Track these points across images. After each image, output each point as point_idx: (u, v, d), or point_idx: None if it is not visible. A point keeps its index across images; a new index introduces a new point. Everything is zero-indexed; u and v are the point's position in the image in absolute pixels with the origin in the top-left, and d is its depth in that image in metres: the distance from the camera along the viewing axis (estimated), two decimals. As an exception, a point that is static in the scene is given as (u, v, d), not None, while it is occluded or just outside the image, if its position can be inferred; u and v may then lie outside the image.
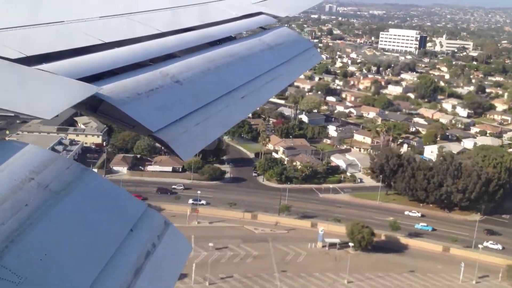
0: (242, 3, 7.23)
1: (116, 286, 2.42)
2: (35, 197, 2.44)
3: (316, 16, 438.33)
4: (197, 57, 4.61)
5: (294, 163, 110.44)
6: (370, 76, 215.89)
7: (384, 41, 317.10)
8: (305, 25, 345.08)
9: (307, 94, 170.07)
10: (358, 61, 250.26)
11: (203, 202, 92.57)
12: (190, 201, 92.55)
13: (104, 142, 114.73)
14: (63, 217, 2.48)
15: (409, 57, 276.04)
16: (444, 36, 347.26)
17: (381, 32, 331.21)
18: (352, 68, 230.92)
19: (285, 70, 5.64)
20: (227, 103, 4.16)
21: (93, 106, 3.21)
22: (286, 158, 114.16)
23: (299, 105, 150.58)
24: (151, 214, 2.94)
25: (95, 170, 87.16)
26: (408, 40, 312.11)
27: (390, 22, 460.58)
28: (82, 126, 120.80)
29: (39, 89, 3.03)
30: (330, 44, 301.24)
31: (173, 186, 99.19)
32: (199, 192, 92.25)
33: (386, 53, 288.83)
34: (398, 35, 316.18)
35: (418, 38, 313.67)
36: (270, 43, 5.99)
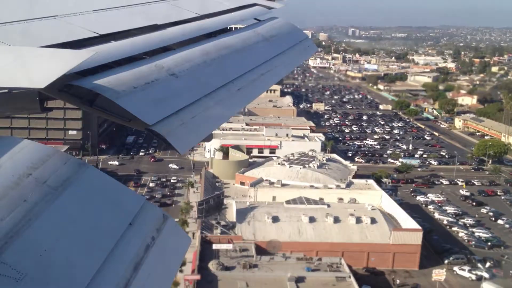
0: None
1: (116, 280, 2.43)
2: (33, 192, 2.43)
3: (351, 40, 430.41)
4: (193, 50, 4.59)
5: None
6: None
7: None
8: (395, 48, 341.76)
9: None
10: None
11: None
12: None
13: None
14: (62, 212, 2.48)
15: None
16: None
17: None
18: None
19: (281, 62, 5.63)
20: (223, 96, 4.15)
21: (89, 100, 3.20)
22: None
23: None
24: (149, 208, 2.94)
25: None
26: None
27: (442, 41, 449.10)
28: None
29: (28, 62, 2.99)
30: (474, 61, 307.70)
31: None
32: None
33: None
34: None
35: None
36: (265, 35, 5.97)
